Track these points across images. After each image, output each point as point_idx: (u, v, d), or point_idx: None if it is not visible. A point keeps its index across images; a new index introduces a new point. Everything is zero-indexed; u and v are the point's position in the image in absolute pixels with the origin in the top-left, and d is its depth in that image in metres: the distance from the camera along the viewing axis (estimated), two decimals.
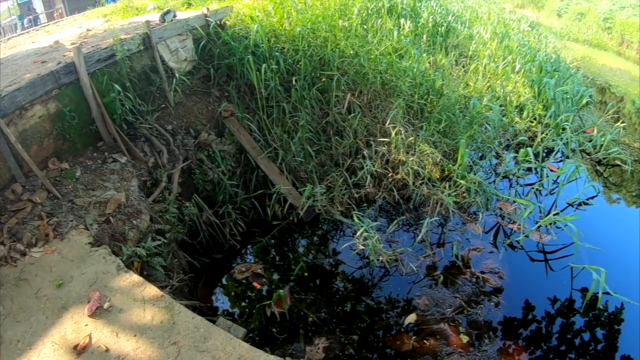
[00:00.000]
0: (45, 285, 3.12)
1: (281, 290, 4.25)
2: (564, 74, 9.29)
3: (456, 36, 9.65)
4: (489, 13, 12.62)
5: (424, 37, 8.69)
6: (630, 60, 15.71)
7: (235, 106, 6.08)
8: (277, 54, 6.02)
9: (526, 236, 5.36)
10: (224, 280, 4.98)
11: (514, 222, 5.66)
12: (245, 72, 6.00)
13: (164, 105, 5.43)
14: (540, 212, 5.98)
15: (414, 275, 4.89)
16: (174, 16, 5.89)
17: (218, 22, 6.31)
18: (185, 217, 4.85)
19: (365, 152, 6.04)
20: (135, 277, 3.14)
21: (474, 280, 4.83)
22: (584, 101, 8.51)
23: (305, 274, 5.00)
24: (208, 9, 6.17)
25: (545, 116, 7.79)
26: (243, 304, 4.63)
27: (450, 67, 8.24)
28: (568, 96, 8.17)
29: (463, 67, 8.85)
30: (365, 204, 5.87)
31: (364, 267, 5.04)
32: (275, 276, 4.99)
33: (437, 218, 5.50)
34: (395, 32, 7.65)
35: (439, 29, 9.44)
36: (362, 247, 4.91)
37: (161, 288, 3.53)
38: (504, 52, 9.40)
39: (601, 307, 4.56)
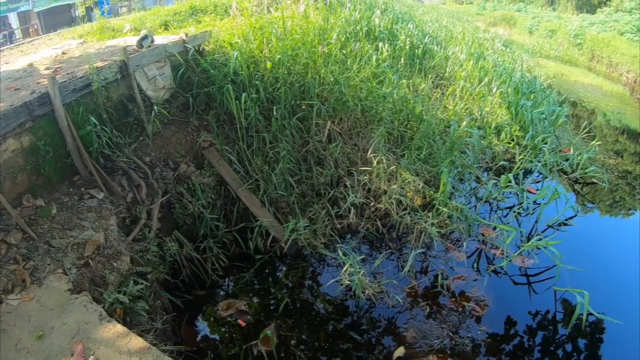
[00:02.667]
0: (24, 337, 3.09)
1: (268, 331, 4.31)
2: (540, 94, 9.84)
3: (432, 58, 10.10)
4: (463, 33, 13.25)
5: (402, 59, 9.06)
6: (601, 75, 16.83)
7: (215, 136, 6.17)
8: (257, 82, 6.18)
9: (509, 261, 5.63)
10: (207, 318, 5.00)
11: (496, 248, 5.93)
12: (224, 101, 6.11)
13: (141, 137, 5.47)
14: (521, 235, 6.30)
15: (399, 306, 5.04)
16: (152, 41, 5.97)
17: (196, 47, 6.43)
18: (166, 255, 4.86)
19: (347, 182, 6.22)
20: (119, 328, 3.15)
21: (460, 309, 5.03)
22: (560, 121, 9.03)
23: (291, 309, 5.08)
24: (187, 34, 6.28)
25: (523, 138, 8.24)
26: (229, 343, 4.66)
27: (429, 90, 8.60)
28: (544, 116, 8.68)
29: (440, 89, 9.26)
30: (348, 235, 6.03)
31: (349, 300, 5.17)
32: (260, 312, 5.05)
33: (422, 250, 5.70)
34: (374, 57, 7.96)
35: (416, 51, 9.86)
36: (348, 282, 5.04)
37: (146, 332, 3.56)
38: (480, 73, 9.88)
39: (585, 326, 4.83)
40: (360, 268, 5.09)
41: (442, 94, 9.03)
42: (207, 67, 6.21)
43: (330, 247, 5.82)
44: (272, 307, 5.10)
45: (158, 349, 3.03)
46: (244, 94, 5.93)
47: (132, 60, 5.41)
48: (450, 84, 9.35)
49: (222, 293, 5.41)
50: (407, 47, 9.48)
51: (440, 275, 5.38)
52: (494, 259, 5.84)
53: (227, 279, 5.57)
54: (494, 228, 6.25)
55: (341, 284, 5.15)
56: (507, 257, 5.63)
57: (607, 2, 23.73)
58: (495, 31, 20.27)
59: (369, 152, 6.37)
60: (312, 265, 5.76)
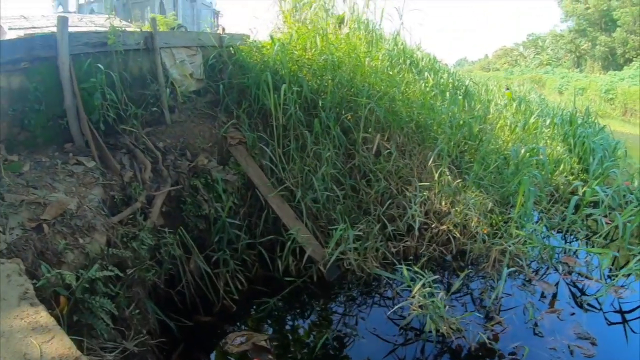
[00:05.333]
0: None
1: None
2: (596, 126, 8.64)
3: (473, 99, 9.06)
4: (498, 85, 12.45)
5: (447, 94, 7.99)
6: (638, 127, 15.67)
7: (246, 133, 4.89)
8: (300, 75, 5.04)
9: (605, 292, 3.99)
10: (210, 352, 3.33)
11: (586, 278, 4.36)
12: (260, 95, 4.92)
13: (157, 115, 4.24)
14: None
15: (481, 350, 3.29)
16: (186, 30, 5.02)
17: (233, 46, 5.44)
18: (165, 257, 3.35)
19: (407, 193, 4.76)
20: (42, 317, 1.60)
21: (564, 349, 3.37)
22: (619, 152, 7.66)
23: (330, 349, 3.38)
24: (224, 29, 5.33)
25: (582, 171, 6.99)
26: None
27: (483, 118, 7.38)
28: (602, 146, 7.37)
29: (490, 124, 8.03)
30: (410, 260, 4.42)
31: (415, 340, 3.44)
32: (286, 351, 3.38)
33: (514, 273, 4.07)
34: (422, 83, 6.91)
35: (458, 90, 8.85)
36: (419, 310, 3.35)
37: (105, 350, 1.99)
38: (526, 114, 8.76)
39: None
40: (437, 289, 3.42)
41: (492, 128, 7.78)
42: (242, 60, 5.14)
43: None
44: (302, 347, 3.43)
45: None
46: (284, 86, 4.73)
47: (160, 36, 4.39)
48: (497, 121, 8.16)
49: (235, 323, 3.76)
50: (450, 84, 8.48)
51: (530, 309, 3.69)
52: (584, 289, 4.22)
53: (243, 305, 3.93)
54: (575, 254, 4.72)
55: (410, 315, 3.45)
56: (605, 285, 4.04)
57: (634, 59, 23.23)
58: (527, 87, 19.33)
59: (430, 162, 4.97)
60: (358, 296, 4.10)
